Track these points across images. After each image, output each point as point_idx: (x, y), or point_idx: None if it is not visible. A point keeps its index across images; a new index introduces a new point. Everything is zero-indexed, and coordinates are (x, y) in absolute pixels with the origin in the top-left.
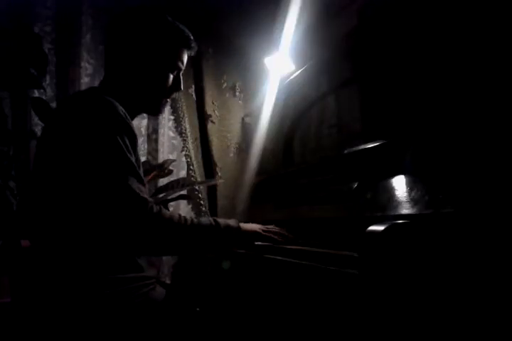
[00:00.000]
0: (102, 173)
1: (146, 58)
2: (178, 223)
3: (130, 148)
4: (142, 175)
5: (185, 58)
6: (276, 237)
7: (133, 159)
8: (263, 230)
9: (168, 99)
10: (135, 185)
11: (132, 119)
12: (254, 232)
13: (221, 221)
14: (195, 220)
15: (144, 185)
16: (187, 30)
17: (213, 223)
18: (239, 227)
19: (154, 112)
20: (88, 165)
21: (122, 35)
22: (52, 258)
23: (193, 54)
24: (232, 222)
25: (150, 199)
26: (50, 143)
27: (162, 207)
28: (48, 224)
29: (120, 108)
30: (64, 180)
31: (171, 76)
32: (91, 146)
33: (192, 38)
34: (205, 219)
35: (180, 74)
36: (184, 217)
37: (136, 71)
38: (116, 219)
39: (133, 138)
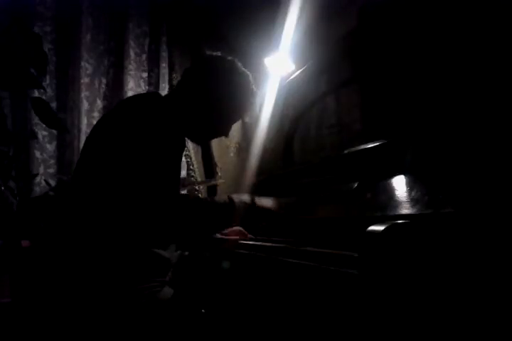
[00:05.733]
0: (155, 174)
1: (219, 110)
2: (194, 200)
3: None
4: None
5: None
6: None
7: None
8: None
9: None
10: (174, 189)
11: None
12: (268, 209)
13: (235, 198)
14: (208, 199)
15: (179, 189)
16: (256, 95)
17: (227, 201)
18: (253, 203)
19: (198, 143)
20: (146, 166)
21: (211, 78)
22: (54, 259)
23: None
24: (246, 198)
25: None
26: (109, 141)
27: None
28: (59, 224)
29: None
30: (113, 174)
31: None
32: (154, 150)
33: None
34: (221, 198)
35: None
36: (199, 197)
37: (203, 112)
38: (149, 202)
39: (183, 150)
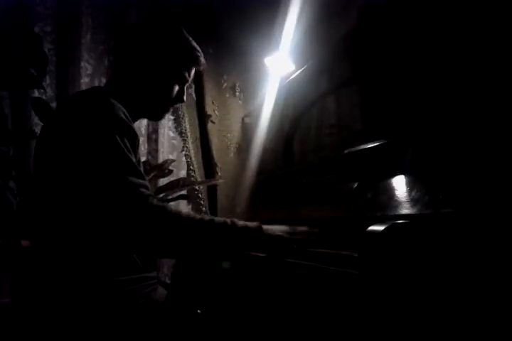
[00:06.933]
0: (100, 171)
1: (156, 69)
2: (187, 218)
3: (130, 147)
4: (143, 172)
5: (193, 72)
6: (301, 237)
7: (133, 158)
8: (288, 232)
9: (171, 108)
10: (135, 180)
11: (134, 122)
12: (276, 236)
13: (239, 221)
14: (206, 217)
15: (145, 180)
16: (198, 47)
17: (229, 222)
18: (260, 229)
19: (155, 118)
20: (87, 164)
21: (137, 42)
22: (53, 259)
23: (200, 69)
24: (251, 223)
25: (151, 193)
26: (50, 143)
27: (167, 203)
28: (50, 224)
29: (122, 109)
30: (64, 180)
31: (176, 88)
32: (90, 145)
33: (202, 55)
34: (220, 218)
35: (185, 86)
36: (194, 213)
37: (144, 79)
38: (115, 215)
39: (133, 138)
